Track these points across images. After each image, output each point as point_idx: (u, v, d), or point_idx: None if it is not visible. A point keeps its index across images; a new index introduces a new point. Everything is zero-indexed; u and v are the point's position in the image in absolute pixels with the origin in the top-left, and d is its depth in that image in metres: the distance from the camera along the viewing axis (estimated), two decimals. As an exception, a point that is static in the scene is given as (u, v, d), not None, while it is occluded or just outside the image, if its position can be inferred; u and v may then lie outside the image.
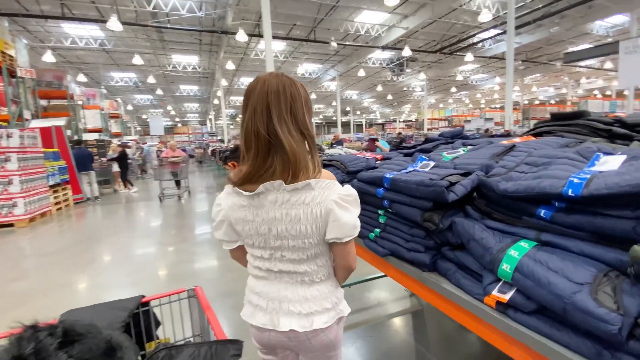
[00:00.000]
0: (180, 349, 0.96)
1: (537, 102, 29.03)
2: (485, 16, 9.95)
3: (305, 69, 18.65)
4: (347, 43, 13.38)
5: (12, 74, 8.44)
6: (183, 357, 0.93)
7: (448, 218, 1.20)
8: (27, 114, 8.83)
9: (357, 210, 0.91)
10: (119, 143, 12.15)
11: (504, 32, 10.96)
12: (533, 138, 1.76)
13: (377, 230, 1.53)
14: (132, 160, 14.43)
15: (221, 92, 17.76)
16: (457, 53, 14.70)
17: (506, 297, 0.93)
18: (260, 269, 0.97)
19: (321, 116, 38.70)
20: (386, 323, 2.53)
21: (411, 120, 34.19)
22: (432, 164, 1.49)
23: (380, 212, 1.53)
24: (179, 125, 39.39)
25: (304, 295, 0.94)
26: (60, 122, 9.15)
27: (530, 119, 16.16)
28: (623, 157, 0.98)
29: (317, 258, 0.94)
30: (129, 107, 27.53)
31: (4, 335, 0.90)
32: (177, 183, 8.78)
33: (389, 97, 27.84)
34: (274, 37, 9.83)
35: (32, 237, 5.44)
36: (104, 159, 10.59)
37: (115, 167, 10.62)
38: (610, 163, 0.98)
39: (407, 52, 12.84)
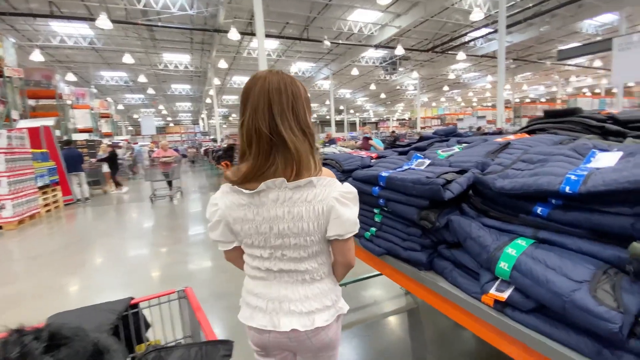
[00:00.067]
0: (169, 350, 0.94)
1: (527, 100, 29.39)
2: (476, 15, 10.01)
3: (298, 67, 18.60)
4: (340, 42, 13.37)
5: (-1, 73, 8.25)
6: (173, 358, 0.91)
7: (444, 216, 1.19)
8: (15, 114, 8.64)
9: (357, 207, 0.92)
10: (109, 143, 11.96)
11: (496, 31, 11.06)
12: (527, 135, 1.76)
13: (373, 229, 1.52)
14: (123, 160, 14.25)
15: (214, 91, 17.63)
16: (449, 52, 14.79)
17: (504, 295, 0.92)
18: (259, 269, 0.96)
19: (315, 115, 38.66)
20: (382, 322, 2.52)
21: (404, 119, 34.36)
22: (427, 162, 1.48)
23: (376, 210, 1.51)
24: (171, 124, 39.00)
25: (305, 294, 0.93)
26: (49, 122, 8.98)
27: (521, 117, 16.33)
28: (619, 154, 0.98)
29: (318, 256, 0.94)
30: (120, 107, 27.16)
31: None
32: (169, 183, 8.65)
33: (382, 95, 27.92)
34: (267, 36, 9.77)
35: (21, 239, 5.33)
36: (93, 160, 10.42)
37: (106, 168, 10.46)
38: (606, 159, 0.98)
39: (399, 50, 12.87)
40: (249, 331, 1.00)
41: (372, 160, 1.84)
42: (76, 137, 11.69)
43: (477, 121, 16.25)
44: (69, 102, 12.32)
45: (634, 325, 0.67)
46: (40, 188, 7.15)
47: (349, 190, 0.90)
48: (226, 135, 24.47)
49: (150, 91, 22.08)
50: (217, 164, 11.24)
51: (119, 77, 19.41)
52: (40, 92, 11.16)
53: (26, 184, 6.54)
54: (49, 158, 7.86)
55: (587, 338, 0.74)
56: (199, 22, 11.85)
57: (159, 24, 10.75)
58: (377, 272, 2.77)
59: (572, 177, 0.88)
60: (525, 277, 0.86)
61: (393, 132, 19.96)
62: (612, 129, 1.55)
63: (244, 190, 0.88)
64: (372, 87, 23.31)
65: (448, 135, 2.17)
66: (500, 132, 3.30)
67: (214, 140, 20.85)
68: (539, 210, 0.96)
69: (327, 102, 20.24)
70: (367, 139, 7.50)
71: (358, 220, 0.92)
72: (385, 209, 1.45)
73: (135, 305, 1.21)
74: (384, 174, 1.40)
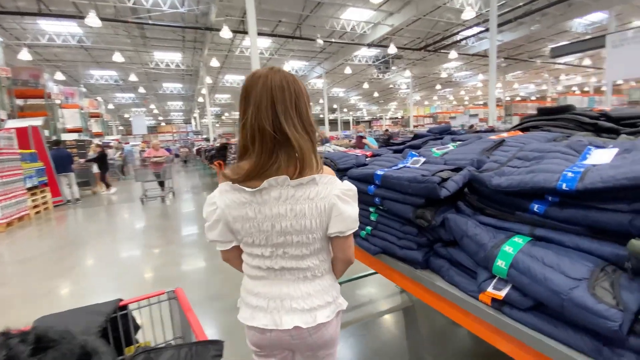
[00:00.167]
0: (159, 351, 0.93)
1: (518, 98, 29.71)
2: (468, 14, 10.06)
3: (291, 66, 18.53)
4: (333, 40, 13.34)
5: (-16, 72, 8.06)
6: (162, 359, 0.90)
7: (440, 214, 1.18)
8: (2, 114, 8.45)
9: (357, 204, 0.94)
10: (98, 143, 11.75)
11: (487, 30, 11.13)
12: (521, 133, 1.77)
13: (369, 228, 1.51)
14: (114, 160, 14.05)
15: (206, 90, 17.47)
16: (441, 50, 14.85)
17: (502, 293, 0.92)
18: (260, 268, 0.95)
19: (308, 114, 38.43)
20: (378, 320, 2.52)
21: (397, 118, 34.48)
22: (422, 160, 1.47)
23: (371, 209, 1.50)
24: (163, 124, 38.57)
25: (307, 291, 0.94)
26: (38, 122, 8.79)
27: (512, 115, 16.49)
28: (615, 150, 0.98)
29: (320, 253, 0.95)
30: (110, 106, 26.74)
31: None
32: (161, 184, 8.52)
33: (376, 94, 27.97)
34: (259, 34, 9.70)
35: (10, 242, 5.21)
36: (82, 160, 10.25)
37: (96, 169, 10.30)
38: (602, 156, 0.98)
39: (392, 49, 12.89)
40: (248, 331, 0.99)
41: (367, 159, 1.82)
42: (65, 137, 11.47)
43: (470, 119, 16.38)
44: (57, 101, 12.07)
45: (633, 322, 0.67)
46: (29, 189, 7.01)
47: (350, 187, 0.92)
48: (219, 134, 24.30)
49: (141, 90, 21.79)
50: (210, 163, 11.12)
51: (109, 76, 19.10)
52: (28, 91, 10.94)
53: (14, 185, 6.40)
54: (37, 159, 7.71)
55: (586, 336, 0.74)
56: (191, 20, 11.71)
57: (150, 22, 10.60)
58: (372, 271, 2.76)
59: (569, 174, 0.87)
60: (523, 275, 0.85)
61: (386, 130, 20.00)
62: (605, 126, 1.56)
63: (245, 188, 0.87)
64: (365, 85, 23.33)
65: (442, 133, 2.17)
66: (492, 130, 3.32)
67: (207, 140, 20.68)
68: (535, 207, 0.96)
69: (321, 101, 20.20)
70: (361, 137, 7.50)
71: (358, 217, 0.93)
72: (381, 207, 1.44)
73: (124, 307, 1.20)
74: (379, 172, 1.39)
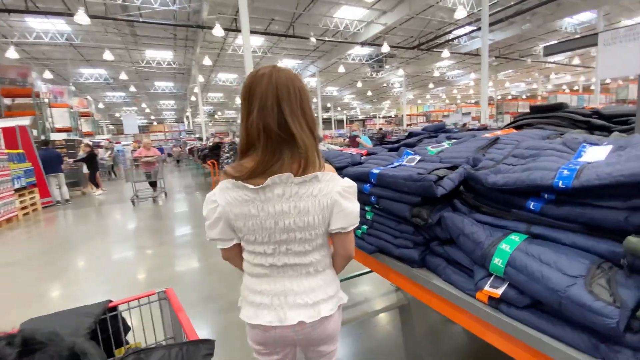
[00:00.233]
0: (149, 352, 0.91)
1: (509, 97, 30.00)
2: (460, 13, 10.13)
3: (284, 64, 18.39)
4: (327, 39, 13.31)
5: (-31, 70, 7.88)
6: None
7: (437, 213, 1.18)
8: (-12, 114, 8.28)
9: (357, 201, 0.96)
10: (87, 143, 11.55)
11: (478, 29, 11.22)
12: (514, 131, 1.78)
13: (365, 227, 1.50)
14: (104, 160, 13.85)
15: (198, 89, 17.30)
16: (434, 49, 14.93)
17: (499, 292, 0.92)
18: (262, 265, 0.96)
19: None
20: (373, 319, 2.52)
21: (391, 116, 34.61)
22: (418, 158, 1.47)
23: (367, 208, 1.50)
24: (155, 123, 38.13)
25: (310, 286, 0.96)
26: (25, 121, 8.64)
27: (503, 114, 16.65)
28: (609, 147, 0.98)
29: (321, 248, 0.97)
30: (101, 105, 26.33)
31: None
32: (154, 184, 8.40)
33: (369, 93, 28.01)
34: (252, 32, 9.63)
35: (-3, 244, 5.10)
36: (70, 160, 10.09)
37: (87, 169, 10.13)
38: (596, 153, 0.98)
39: (385, 48, 12.91)
40: (252, 330, 0.99)
41: (362, 157, 1.82)
42: (54, 136, 11.27)
43: (463, 117, 16.50)
44: (46, 100, 11.86)
45: (630, 319, 0.67)
46: (17, 190, 6.87)
47: (351, 184, 0.94)
48: (212, 133, 24.10)
49: (132, 89, 21.48)
50: (203, 163, 11.02)
51: (99, 75, 18.78)
52: (16, 90, 10.74)
53: (2, 187, 6.27)
54: (25, 159, 7.56)
55: (583, 333, 0.74)
56: (182, 17, 11.58)
57: (140, 19, 10.44)
58: (367, 270, 2.76)
59: (565, 171, 0.88)
60: (520, 273, 0.85)
61: (380, 129, 20.07)
62: (598, 124, 1.58)
63: (248, 186, 0.87)
64: (359, 84, 23.34)
65: (437, 131, 2.17)
66: (485, 128, 3.35)
67: (200, 139, 20.50)
68: (531, 205, 0.96)
69: (314, 100, 20.16)
70: (354, 137, 7.45)
71: (359, 213, 0.96)
72: (377, 206, 1.43)
73: (114, 308, 1.18)
74: (375, 171, 1.38)
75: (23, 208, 6.99)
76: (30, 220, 6.72)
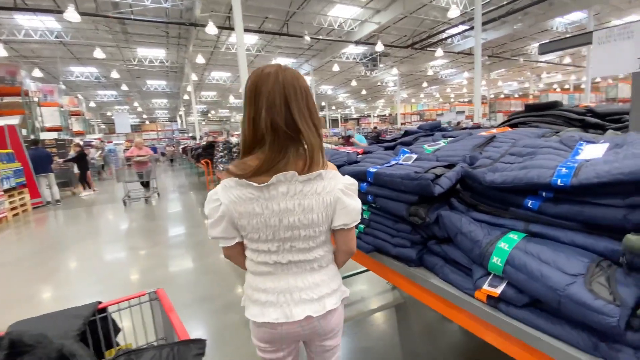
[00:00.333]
0: (140, 353, 0.90)
1: (502, 95, 30.26)
2: (453, 12, 10.18)
3: (278, 63, 18.35)
4: (321, 37, 13.27)
5: (-44, 68, 7.70)
6: None
7: (434, 211, 1.17)
8: (-25, 113, 8.10)
9: (358, 198, 0.98)
10: (77, 142, 11.38)
11: (472, 28, 11.28)
12: (509, 129, 1.78)
13: (361, 226, 1.49)
14: (95, 160, 13.65)
15: (191, 87, 17.15)
16: (428, 48, 14.99)
17: (497, 291, 0.91)
18: (266, 263, 0.96)
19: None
20: (370, 318, 2.51)
21: (385, 115, 34.69)
22: (414, 156, 1.46)
23: (364, 207, 1.48)
24: (147, 122, 37.72)
25: (314, 281, 0.97)
26: (14, 120, 8.48)
27: (496, 112, 16.79)
28: (606, 145, 0.98)
29: (324, 244, 0.99)
30: (92, 104, 25.96)
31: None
32: (146, 184, 8.28)
33: (363, 92, 28.03)
34: (246, 30, 9.55)
35: (-15, 246, 5.00)
36: (60, 160, 9.92)
37: (77, 169, 9.98)
38: (593, 151, 0.98)
39: (379, 47, 12.93)
40: (258, 329, 0.99)
41: (358, 156, 1.81)
42: (44, 136, 11.08)
43: (457, 116, 16.59)
44: (35, 99, 11.64)
45: (630, 317, 0.66)
46: (6, 191, 6.74)
47: (352, 182, 0.96)
48: (205, 132, 23.90)
49: (124, 87, 21.18)
50: (196, 162, 10.92)
51: (90, 73, 18.48)
52: (4, 89, 10.53)
53: (-10, 187, 6.15)
54: (15, 159, 7.42)
55: (583, 332, 0.74)
56: (175, 15, 11.44)
57: (132, 17, 10.30)
58: (364, 269, 2.76)
59: (563, 169, 0.87)
60: (519, 272, 0.85)
61: (375, 128, 20.11)
62: (592, 122, 1.59)
63: (253, 184, 0.88)
64: (353, 83, 23.35)
65: (433, 129, 2.17)
66: (478, 127, 3.36)
67: (193, 138, 20.33)
68: (529, 203, 0.96)
69: (308, 99, 20.09)
70: (348, 137, 7.37)
71: (361, 210, 0.97)
72: (374, 205, 1.42)
73: (104, 310, 1.17)
74: (371, 169, 1.37)
75: (13, 209, 6.87)
76: (20, 221, 6.60)
